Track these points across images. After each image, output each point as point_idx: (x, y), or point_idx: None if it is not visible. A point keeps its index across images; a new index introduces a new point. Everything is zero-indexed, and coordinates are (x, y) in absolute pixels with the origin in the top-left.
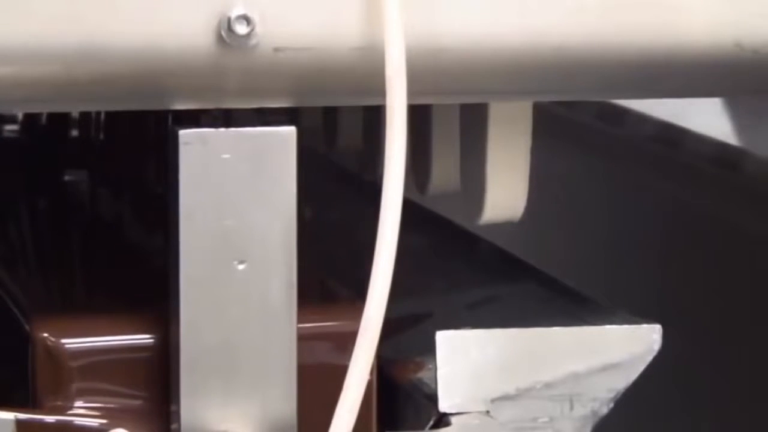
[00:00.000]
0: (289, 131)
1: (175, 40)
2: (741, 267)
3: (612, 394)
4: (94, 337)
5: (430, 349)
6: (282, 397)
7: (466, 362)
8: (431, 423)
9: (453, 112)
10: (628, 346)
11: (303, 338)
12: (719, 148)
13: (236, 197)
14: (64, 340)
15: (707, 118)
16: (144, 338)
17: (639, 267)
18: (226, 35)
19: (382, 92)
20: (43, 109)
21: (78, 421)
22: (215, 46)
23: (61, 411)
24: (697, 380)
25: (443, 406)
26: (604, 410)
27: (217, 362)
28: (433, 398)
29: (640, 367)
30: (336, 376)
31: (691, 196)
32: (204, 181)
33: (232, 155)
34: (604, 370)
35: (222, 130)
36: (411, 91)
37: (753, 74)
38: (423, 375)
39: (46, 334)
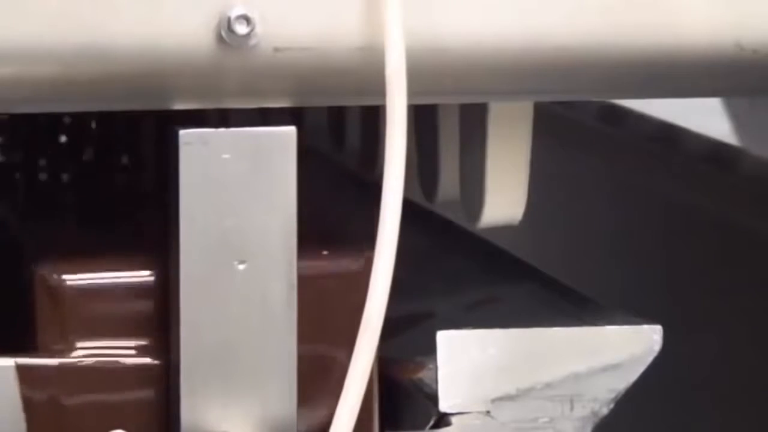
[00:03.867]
0: (289, 131)
1: (175, 40)
2: (741, 267)
3: (612, 395)
4: (96, 274)
5: (430, 349)
6: (282, 397)
7: (466, 362)
8: (431, 423)
9: (456, 119)
10: (629, 346)
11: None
12: (718, 147)
13: (236, 197)
14: (66, 277)
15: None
16: (145, 276)
17: (639, 267)
18: (226, 35)
19: (382, 92)
20: (43, 109)
21: (82, 361)
22: (215, 46)
23: (64, 354)
24: (697, 380)
25: (443, 406)
26: (605, 411)
27: (217, 362)
28: (433, 398)
29: (641, 368)
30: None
31: (691, 196)
32: (204, 181)
33: (232, 155)
34: (605, 370)
35: (222, 130)
36: (411, 91)
37: (753, 74)
38: (423, 375)
39: (48, 273)
